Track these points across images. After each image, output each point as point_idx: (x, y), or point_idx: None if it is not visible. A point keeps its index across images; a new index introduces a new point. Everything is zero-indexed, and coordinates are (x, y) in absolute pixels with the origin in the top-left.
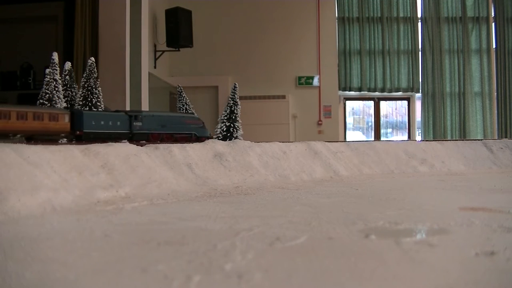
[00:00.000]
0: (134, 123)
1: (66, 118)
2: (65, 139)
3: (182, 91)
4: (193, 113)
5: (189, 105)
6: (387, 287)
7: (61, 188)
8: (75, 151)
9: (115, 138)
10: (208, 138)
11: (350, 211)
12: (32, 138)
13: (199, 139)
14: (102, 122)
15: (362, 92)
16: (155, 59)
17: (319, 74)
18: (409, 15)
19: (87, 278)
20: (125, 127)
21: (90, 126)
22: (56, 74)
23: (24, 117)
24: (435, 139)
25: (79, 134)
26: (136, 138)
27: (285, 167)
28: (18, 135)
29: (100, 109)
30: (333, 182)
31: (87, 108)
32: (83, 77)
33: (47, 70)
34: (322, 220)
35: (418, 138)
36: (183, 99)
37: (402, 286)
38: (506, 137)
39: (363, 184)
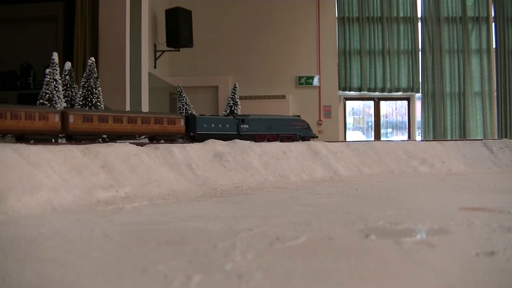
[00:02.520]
0: (242, 126)
1: (182, 122)
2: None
3: (182, 91)
4: (299, 116)
5: (189, 105)
6: (387, 287)
7: (61, 188)
8: (75, 151)
9: (225, 138)
10: (313, 137)
11: (350, 211)
12: (154, 138)
13: (304, 139)
14: (213, 125)
15: (362, 92)
16: (155, 59)
17: (319, 74)
18: (409, 15)
19: (87, 278)
20: (233, 129)
21: (202, 128)
22: (56, 74)
23: (147, 121)
24: (435, 139)
25: (193, 135)
26: (243, 138)
27: (285, 167)
28: (143, 136)
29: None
30: (333, 182)
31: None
32: (83, 77)
33: (47, 70)
34: (322, 220)
35: (418, 138)
36: (183, 99)
37: (402, 286)
38: (506, 137)
39: (363, 184)
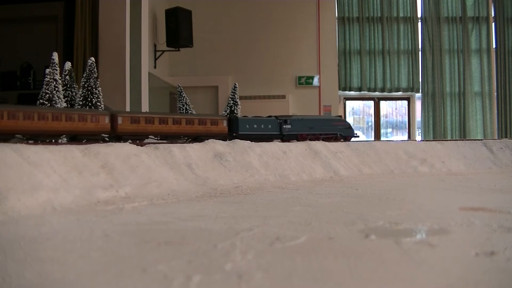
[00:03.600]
0: (284, 126)
1: (224, 123)
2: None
3: (182, 91)
4: (340, 116)
5: (189, 105)
6: (387, 287)
7: (61, 188)
8: (75, 151)
9: (266, 138)
10: (354, 137)
11: (350, 211)
12: (197, 139)
13: (346, 138)
14: (255, 126)
15: (362, 92)
16: (155, 59)
17: (319, 74)
18: (409, 15)
19: (87, 278)
20: (276, 130)
21: (244, 129)
22: (56, 74)
23: (191, 122)
24: (435, 139)
25: (235, 136)
26: (286, 138)
27: (285, 167)
28: (189, 136)
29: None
30: (333, 182)
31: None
32: (83, 77)
33: (47, 70)
34: (322, 220)
35: (418, 138)
36: (183, 99)
37: (402, 286)
38: (506, 137)
39: (363, 184)
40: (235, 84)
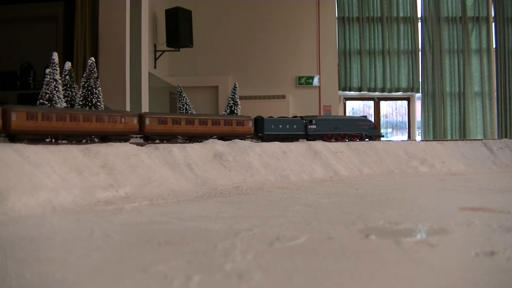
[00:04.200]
0: (309, 126)
1: (250, 123)
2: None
3: (182, 91)
4: (365, 116)
5: (189, 105)
6: (387, 287)
7: (61, 188)
8: (75, 151)
9: (292, 138)
10: (379, 136)
11: (350, 211)
12: (223, 138)
13: (371, 138)
14: (280, 126)
15: (362, 92)
16: (155, 59)
17: (319, 74)
18: (409, 15)
19: (87, 278)
20: (301, 130)
21: (270, 129)
22: (56, 74)
23: (217, 123)
24: (435, 139)
25: (260, 136)
26: (311, 138)
27: (285, 167)
28: (214, 136)
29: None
30: (333, 182)
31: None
32: (83, 77)
33: (47, 70)
34: (322, 220)
35: (418, 138)
36: (183, 99)
37: (402, 286)
38: (506, 137)
39: (363, 184)
40: (235, 84)
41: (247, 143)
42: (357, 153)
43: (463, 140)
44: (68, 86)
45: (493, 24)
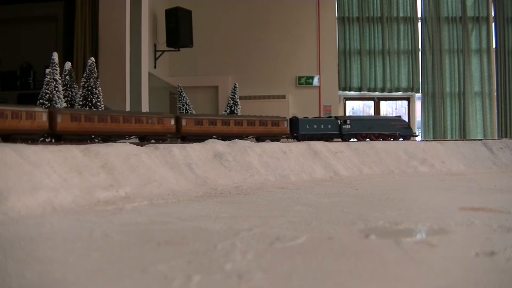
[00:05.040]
0: (344, 126)
1: (285, 124)
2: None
3: (182, 91)
4: (399, 116)
5: (189, 105)
6: (387, 287)
7: (61, 188)
8: (75, 151)
9: (326, 138)
10: (413, 136)
11: (350, 211)
12: (259, 139)
13: (405, 137)
14: (315, 126)
15: (362, 92)
16: (155, 59)
17: (319, 74)
18: (409, 15)
19: (87, 278)
20: (335, 130)
21: (305, 129)
22: (56, 74)
23: (252, 123)
24: (435, 139)
25: (296, 136)
26: (345, 137)
27: (285, 167)
28: (250, 136)
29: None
30: (333, 182)
31: (298, 116)
32: (83, 77)
33: (47, 70)
34: (322, 220)
35: (418, 138)
36: (183, 99)
37: (402, 286)
38: (506, 137)
39: (363, 184)
40: (235, 84)
41: (247, 143)
42: (357, 153)
43: (463, 140)
44: (68, 86)
45: (493, 24)
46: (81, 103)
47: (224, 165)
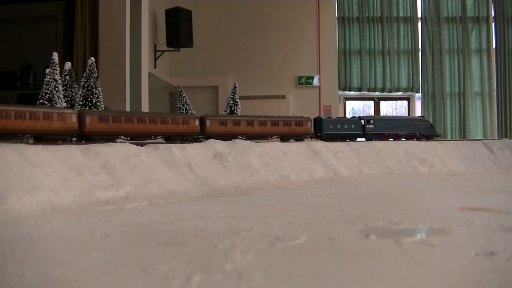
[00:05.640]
0: (367, 126)
1: (309, 124)
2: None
3: (182, 91)
4: (423, 116)
5: (189, 105)
6: (387, 287)
7: (61, 188)
8: (75, 151)
9: (350, 138)
10: (436, 136)
11: (350, 211)
12: (283, 138)
13: (428, 137)
14: (338, 126)
15: (362, 92)
16: (155, 59)
17: (319, 74)
18: (409, 15)
19: (87, 278)
20: (359, 129)
21: (328, 129)
22: (56, 74)
23: (276, 124)
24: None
25: (319, 135)
26: (368, 137)
27: (285, 167)
28: (275, 136)
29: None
30: (333, 182)
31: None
32: (83, 77)
33: (47, 70)
34: (322, 220)
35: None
36: (183, 99)
37: (402, 286)
38: (506, 137)
39: (363, 184)
40: (235, 84)
41: (247, 143)
42: (357, 153)
43: (463, 140)
44: (68, 86)
45: (493, 24)
46: (81, 103)
47: (224, 165)
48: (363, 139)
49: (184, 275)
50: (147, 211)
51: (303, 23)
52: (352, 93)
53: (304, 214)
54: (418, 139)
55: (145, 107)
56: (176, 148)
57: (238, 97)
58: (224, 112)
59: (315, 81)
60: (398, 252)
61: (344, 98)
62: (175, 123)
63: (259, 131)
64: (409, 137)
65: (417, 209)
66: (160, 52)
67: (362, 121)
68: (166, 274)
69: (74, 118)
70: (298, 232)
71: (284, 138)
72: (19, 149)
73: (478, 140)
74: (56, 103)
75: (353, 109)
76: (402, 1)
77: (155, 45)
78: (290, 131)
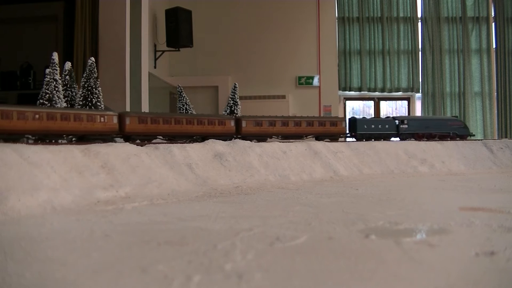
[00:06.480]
0: (401, 126)
1: (343, 124)
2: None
3: (182, 91)
4: (456, 116)
5: (189, 105)
6: (387, 287)
7: (61, 188)
8: (75, 151)
9: (384, 137)
10: (470, 136)
11: (350, 211)
12: (318, 138)
13: (462, 137)
14: (373, 126)
15: (362, 92)
16: (155, 59)
17: (319, 74)
18: (409, 15)
19: (87, 278)
20: (393, 129)
21: (363, 129)
22: (56, 74)
23: (311, 124)
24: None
25: (354, 135)
26: (402, 137)
27: (285, 167)
28: (310, 136)
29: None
30: (333, 182)
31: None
32: (83, 77)
33: (47, 70)
34: (322, 220)
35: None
36: (183, 99)
37: (402, 286)
38: (506, 137)
39: (363, 184)
40: (235, 84)
41: (247, 143)
42: (357, 153)
43: (463, 140)
44: (68, 86)
45: (493, 24)
46: (81, 103)
47: (224, 165)
48: (397, 139)
49: (184, 275)
50: (147, 211)
51: (303, 23)
52: (352, 93)
53: (304, 214)
54: (452, 139)
55: (145, 107)
56: (176, 148)
57: (238, 97)
58: (224, 112)
59: (315, 81)
60: (398, 252)
61: (344, 98)
62: (211, 124)
63: (293, 131)
64: (442, 137)
65: (417, 209)
66: (160, 52)
67: (396, 121)
68: (166, 274)
69: (115, 120)
70: (298, 232)
71: (319, 137)
72: (19, 149)
73: (478, 140)
74: (56, 103)
75: (353, 109)
76: (402, 1)
77: (155, 45)
78: (324, 131)
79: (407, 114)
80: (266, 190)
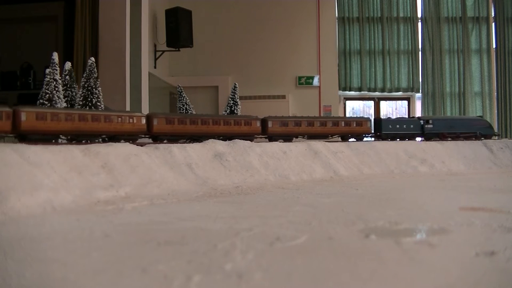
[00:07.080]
0: (426, 126)
1: (368, 124)
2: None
3: (182, 91)
4: (481, 116)
5: (189, 105)
6: (387, 287)
7: (61, 188)
8: (75, 151)
9: (409, 137)
10: (494, 135)
11: (350, 211)
12: (343, 138)
13: (486, 137)
14: (397, 126)
15: (362, 92)
16: (155, 59)
17: (319, 74)
18: (409, 15)
19: (87, 278)
20: (417, 129)
21: (388, 129)
22: (56, 74)
23: (337, 124)
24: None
25: (379, 135)
26: (427, 136)
27: (285, 167)
28: (335, 135)
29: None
30: (333, 182)
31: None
32: (83, 77)
33: (47, 70)
34: (322, 220)
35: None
36: (183, 99)
37: (402, 286)
38: (506, 137)
39: (363, 184)
40: (235, 84)
41: (247, 143)
42: (357, 153)
43: (463, 140)
44: (68, 86)
45: (493, 24)
46: (81, 103)
47: (224, 165)
48: (422, 138)
49: (184, 275)
50: (147, 211)
51: (303, 23)
52: (352, 93)
53: (304, 214)
54: (477, 138)
55: (145, 107)
56: (176, 148)
57: (238, 97)
58: (224, 112)
59: (315, 81)
60: (398, 252)
61: (344, 98)
62: (237, 124)
63: (319, 131)
64: (467, 137)
65: (417, 209)
66: (160, 52)
67: (421, 121)
68: (166, 274)
69: (143, 121)
70: (298, 232)
71: (344, 137)
72: (19, 149)
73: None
74: (56, 103)
75: (353, 109)
76: (402, 1)
77: (155, 45)
78: (350, 131)
79: (407, 114)
80: (266, 190)
